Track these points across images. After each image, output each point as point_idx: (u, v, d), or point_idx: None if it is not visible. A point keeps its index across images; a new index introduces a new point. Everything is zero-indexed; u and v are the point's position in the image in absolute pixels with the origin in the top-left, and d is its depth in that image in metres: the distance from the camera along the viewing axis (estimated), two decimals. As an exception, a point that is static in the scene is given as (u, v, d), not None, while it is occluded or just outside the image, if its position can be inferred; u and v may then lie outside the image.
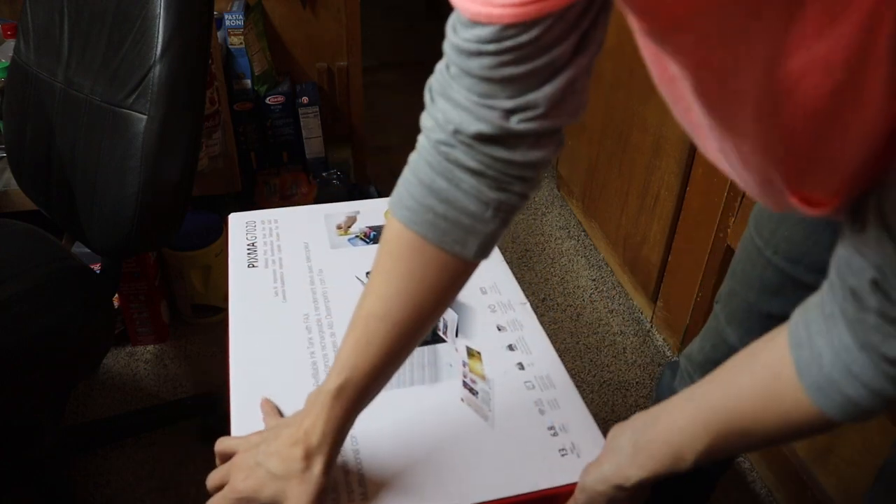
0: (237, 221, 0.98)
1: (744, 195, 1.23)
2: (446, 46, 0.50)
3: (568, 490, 0.65)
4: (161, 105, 0.91)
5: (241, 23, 1.60)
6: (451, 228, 0.54)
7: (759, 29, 0.32)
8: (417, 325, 0.57)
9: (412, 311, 0.56)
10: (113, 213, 0.96)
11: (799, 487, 1.21)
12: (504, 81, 0.48)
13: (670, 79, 0.43)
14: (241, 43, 1.63)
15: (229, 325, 0.81)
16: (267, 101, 1.74)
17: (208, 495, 1.27)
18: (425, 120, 0.54)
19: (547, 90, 0.48)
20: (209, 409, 1.36)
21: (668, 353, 1.60)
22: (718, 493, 1.32)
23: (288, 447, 0.58)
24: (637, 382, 1.53)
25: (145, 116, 0.91)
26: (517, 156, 0.51)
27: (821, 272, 0.70)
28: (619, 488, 0.58)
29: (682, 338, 1.51)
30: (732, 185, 1.25)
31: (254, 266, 0.90)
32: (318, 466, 0.58)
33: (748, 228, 0.79)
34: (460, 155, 0.52)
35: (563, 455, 0.69)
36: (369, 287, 0.57)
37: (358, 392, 0.57)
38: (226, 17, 1.60)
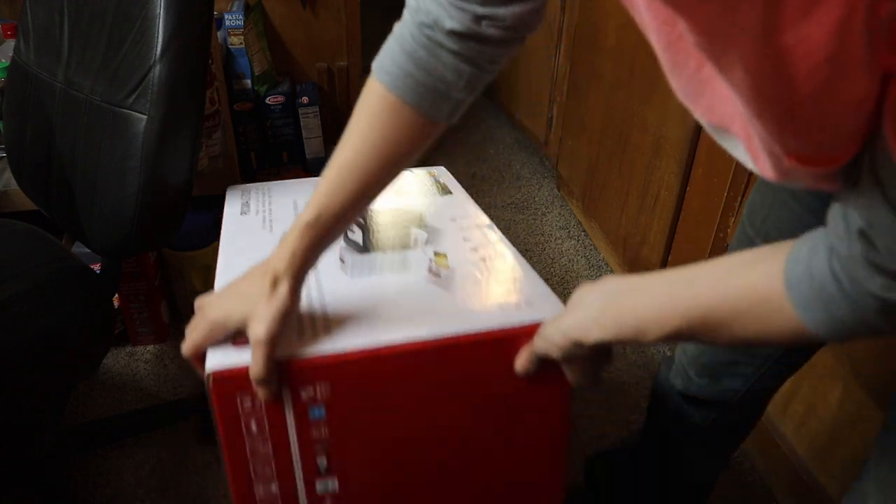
0: (234, 191, 1.03)
1: (744, 195, 1.23)
2: None
3: (524, 332, 0.66)
4: (161, 105, 0.91)
5: (241, 23, 1.60)
6: (428, 93, 0.62)
7: (746, 6, 0.34)
8: (385, 174, 0.64)
9: (383, 162, 0.63)
10: (113, 213, 0.96)
11: (799, 487, 1.21)
12: None
13: (678, 38, 0.44)
14: (241, 43, 1.63)
15: (219, 250, 0.85)
16: (267, 101, 1.74)
17: (209, 495, 1.28)
18: (412, 5, 0.61)
19: (515, 9, 0.57)
20: (209, 409, 1.36)
21: (668, 353, 1.60)
22: (717, 492, 1.32)
23: (257, 277, 0.63)
24: (637, 382, 1.53)
25: (145, 116, 0.91)
26: (488, 49, 0.60)
27: None
28: (577, 344, 0.59)
29: (682, 338, 1.51)
30: (732, 185, 1.25)
31: (245, 213, 0.95)
32: (284, 288, 0.61)
33: (742, 219, 0.80)
34: (440, 38, 0.60)
35: (519, 310, 0.72)
36: (344, 142, 0.64)
37: (326, 227, 0.63)
38: (226, 17, 1.60)
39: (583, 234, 1.98)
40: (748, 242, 0.78)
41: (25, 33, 1.06)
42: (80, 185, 1.01)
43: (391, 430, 0.67)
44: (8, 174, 1.25)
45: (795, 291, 0.47)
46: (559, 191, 2.15)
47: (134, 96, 0.92)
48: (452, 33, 0.59)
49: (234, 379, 0.63)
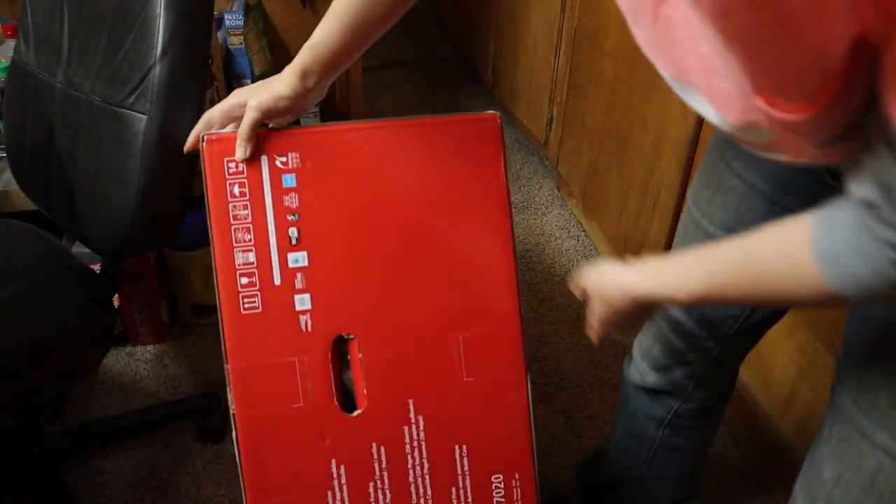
0: None
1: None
2: None
3: (470, 119, 0.79)
4: (161, 105, 0.91)
5: (241, 23, 1.60)
6: None
7: None
8: (365, 32, 0.75)
9: (363, 21, 0.74)
10: (113, 213, 0.96)
11: (799, 487, 1.21)
12: None
13: None
14: (241, 43, 1.62)
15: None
16: (267, 101, 1.74)
17: (209, 495, 1.28)
18: None
19: None
20: (209, 409, 1.36)
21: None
22: (718, 492, 1.32)
23: (265, 82, 0.77)
24: (637, 382, 1.53)
25: (145, 116, 0.91)
26: None
27: None
28: (626, 292, 0.64)
29: (682, 338, 1.51)
30: (732, 185, 1.25)
31: None
32: (283, 82, 0.75)
33: (687, 202, 0.82)
34: None
35: None
36: (335, 3, 0.75)
37: (323, 56, 0.75)
38: (226, 17, 1.60)
39: (583, 234, 1.98)
40: (694, 226, 0.80)
41: (25, 33, 1.06)
42: (80, 185, 1.01)
43: (354, 206, 0.76)
44: (8, 174, 1.25)
45: (818, 248, 0.48)
46: (559, 191, 2.15)
47: (134, 96, 0.92)
48: None
49: (223, 142, 0.75)
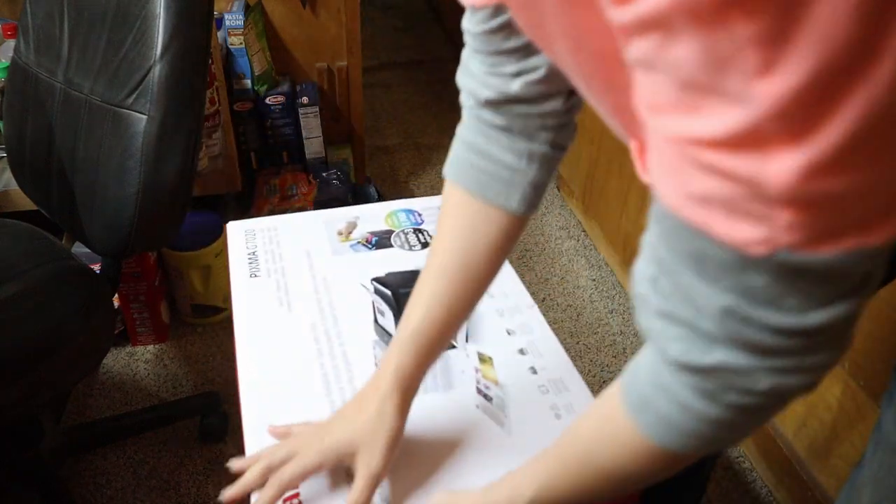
0: (236, 229, 0.97)
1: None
2: (464, 33, 0.57)
3: None
4: (161, 105, 0.91)
5: (241, 23, 1.60)
6: (492, 181, 0.58)
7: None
8: (471, 281, 0.60)
9: (464, 266, 0.59)
10: (113, 213, 0.96)
11: (799, 487, 1.21)
12: (505, 53, 0.54)
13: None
14: (241, 43, 1.63)
15: (235, 339, 0.80)
16: (267, 101, 1.74)
17: (209, 495, 1.28)
18: (462, 94, 0.60)
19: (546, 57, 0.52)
20: (209, 409, 1.36)
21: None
22: (718, 492, 1.32)
23: (354, 407, 0.59)
24: (637, 382, 1.53)
25: (145, 116, 0.91)
26: (532, 110, 0.56)
27: None
28: None
29: (682, 338, 1.51)
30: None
31: (256, 276, 0.89)
32: (389, 408, 0.58)
33: None
34: (487, 115, 0.58)
35: None
36: (432, 246, 0.62)
37: (427, 340, 0.60)
38: (226, 17, 1.60)
39: (583, 234, 1.98)
40: None
41: (25, 33, 1.06)
42: (80, 185, 1.01)
43: None
44: (8, 174, 1.25)
45: (627, 399, 0.43)
46: (559, 191, 2.15)
47: (134, 96, 0.92)
48: (489, 103, 0.56)
49: None
